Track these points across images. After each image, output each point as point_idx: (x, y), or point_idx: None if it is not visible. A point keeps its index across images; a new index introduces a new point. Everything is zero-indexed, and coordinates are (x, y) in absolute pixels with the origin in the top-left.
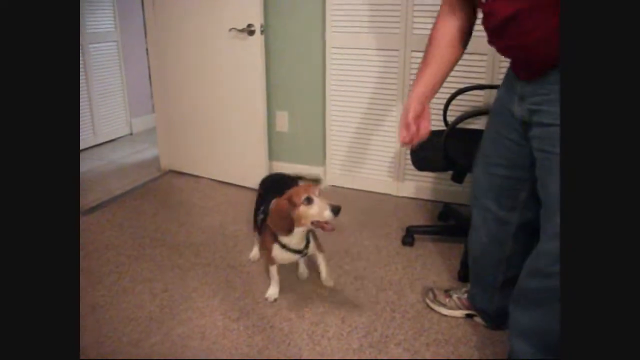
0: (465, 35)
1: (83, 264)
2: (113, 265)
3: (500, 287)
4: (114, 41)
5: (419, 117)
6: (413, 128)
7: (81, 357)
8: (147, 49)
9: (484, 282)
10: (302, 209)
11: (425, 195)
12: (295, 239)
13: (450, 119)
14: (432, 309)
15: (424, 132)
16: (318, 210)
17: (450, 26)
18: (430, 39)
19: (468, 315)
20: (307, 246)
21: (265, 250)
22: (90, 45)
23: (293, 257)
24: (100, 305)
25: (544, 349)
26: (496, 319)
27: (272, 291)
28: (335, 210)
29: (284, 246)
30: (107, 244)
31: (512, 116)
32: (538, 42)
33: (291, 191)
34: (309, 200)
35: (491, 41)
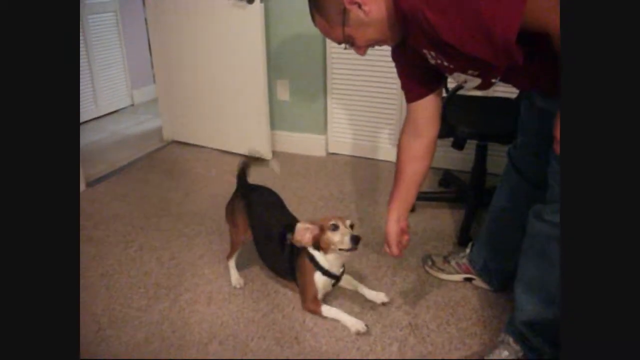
0: (431, 150)
1: (91, 234)
2: (120, 235)
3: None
4: (113, 11)
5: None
6: (396, 250)
7: (93, 326)
8: (145, 19)
9: (501, 242)
10: (329, 234)
11: None
12: (335, 264)
13: (450, 86)
14: (431, 274)
15: (405, 244)
16: (340, 237)
17: (415, 148)
18: (399, 155)
19: (467, 279)
20: (342, 273)
21: (304, 289)
22: (89, 17)
23: (330, 283)
24: (110, 274)
25: (547, 301)
26: (504, 281)
27: (354, 322)
28: (355, 240)
29: (325, 272)
30: (114, 214)
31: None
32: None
33: (324, 218)
34: (334, 227)
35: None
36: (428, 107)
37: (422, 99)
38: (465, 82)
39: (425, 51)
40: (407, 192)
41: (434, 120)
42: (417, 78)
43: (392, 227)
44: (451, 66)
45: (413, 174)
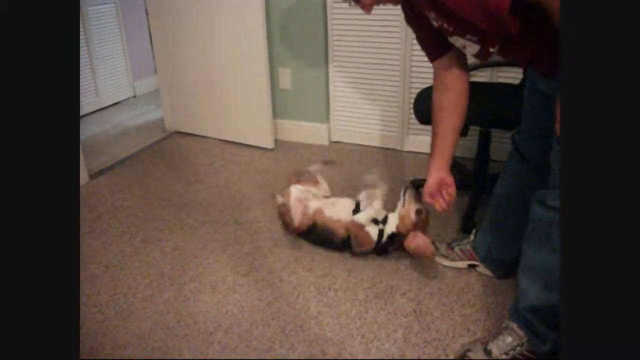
0: (461, 102)
1: (94, 225)
2: (124, 226)
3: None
4: (113, 3)
5: (442, 186)
6: (440, 200)
7: (98, 317)
8: (146, 9)
9: (505, 229)
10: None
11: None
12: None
13: None
14: (434, 261)
15: (447, 196)
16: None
17: (444, 102)
18: (432, 111)
19: (470, 266)
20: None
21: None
22: (90, 8)
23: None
24: (114, 265)
25: (551, 286)
26: (508, 267)
27: None
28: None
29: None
30: (117, 205)
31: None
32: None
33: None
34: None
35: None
36: (449, 64)
37: (441, 57)
38: (464, 47)
39: (427, 12)
40: (442, 144)
41: (460, 75)
42: (432, 39)
43: (431, 179)
44: (451, 29)
45: (446, 126)
